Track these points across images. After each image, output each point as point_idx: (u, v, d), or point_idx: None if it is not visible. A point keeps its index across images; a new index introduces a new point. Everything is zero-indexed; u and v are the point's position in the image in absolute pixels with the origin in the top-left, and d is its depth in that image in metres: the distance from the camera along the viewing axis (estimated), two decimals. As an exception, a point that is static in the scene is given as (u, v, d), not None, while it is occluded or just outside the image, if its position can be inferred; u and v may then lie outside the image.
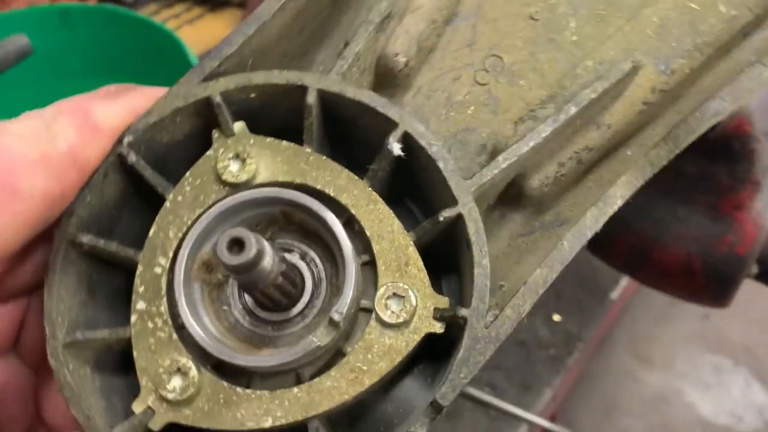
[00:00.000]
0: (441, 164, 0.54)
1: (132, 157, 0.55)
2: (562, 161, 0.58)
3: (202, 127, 0.59)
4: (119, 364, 0.56)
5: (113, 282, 0.59)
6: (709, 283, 1.07)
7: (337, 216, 0.54)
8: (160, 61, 1.32)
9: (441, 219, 0.53)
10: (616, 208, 0.52)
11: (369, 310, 0.55)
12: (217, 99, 0.56)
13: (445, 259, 0.58)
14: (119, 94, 0.56)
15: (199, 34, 1.69)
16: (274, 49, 0.62)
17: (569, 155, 0.58)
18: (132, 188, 0.59)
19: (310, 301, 0.56)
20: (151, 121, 0.56)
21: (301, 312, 0.56)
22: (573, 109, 0.55)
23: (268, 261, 0.47)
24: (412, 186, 0.59)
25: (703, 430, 1.84)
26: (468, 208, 0.53)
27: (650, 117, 0.60)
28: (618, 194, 0.52)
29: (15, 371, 0.58)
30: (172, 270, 0.55)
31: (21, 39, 1.09)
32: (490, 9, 0.65)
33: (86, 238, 0.54)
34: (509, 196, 0.60)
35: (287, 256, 0.57)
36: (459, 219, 0.53)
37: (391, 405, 0.56)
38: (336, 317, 0.51)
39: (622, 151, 0.61)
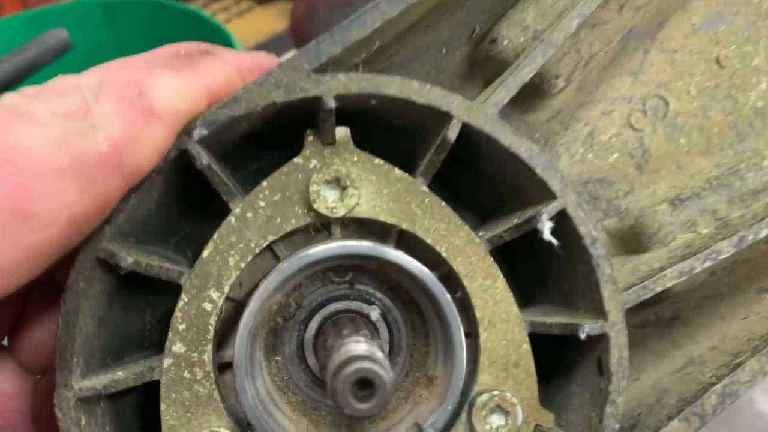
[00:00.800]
0: (599, 268, 0.42)
1: (203, 159, 0.40)
2: (715, 271, 0.48)
3: (288, 120, 0.44)
4: (135, 400, 0.45)
5: (136, 288, 0.46)
6: None
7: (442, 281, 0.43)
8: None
9: (582, 336, 0.42)
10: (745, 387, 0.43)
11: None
12: (331, 103, 0.41)
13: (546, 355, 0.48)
14: (189, 64, 0.40)
15: (249, 28, 1.63)
16: (419, 37, 0.46)
17: (725, 265, 0.48)
18: (180, 189, 0.44)
19: (395, 357, 0.46)
20: (236, 113, 0.40)
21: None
22: (765, 231, 0.44)
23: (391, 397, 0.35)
24: (527, 256, 0.48)
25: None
26: (617, 329, 0.43)
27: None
28: (743, 378, 0.43)
29: (10, 376, 0.45)
30: (224, 310, 0.43)
31: (60, 33, 1.06)
32: (670, 35, 0.51)
33: (123, 258, 0.40)
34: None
35: (366, 308, 0.45)
36: (602, 338, 0.43)
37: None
38: (429, 430, 0.42)
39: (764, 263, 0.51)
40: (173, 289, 0.42)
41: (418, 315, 0.46)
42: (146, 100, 0.36)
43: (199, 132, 0.40)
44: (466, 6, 0.49)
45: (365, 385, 0.33)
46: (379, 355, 0.36)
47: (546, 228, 0.42)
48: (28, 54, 1.03)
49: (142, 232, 0.44)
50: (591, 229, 0.42)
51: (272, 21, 1.66)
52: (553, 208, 0.42)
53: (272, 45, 1.59)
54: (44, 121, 0.34)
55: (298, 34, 1.27)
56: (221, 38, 1.19)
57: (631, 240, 0.50)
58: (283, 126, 0.44)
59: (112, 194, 0.37)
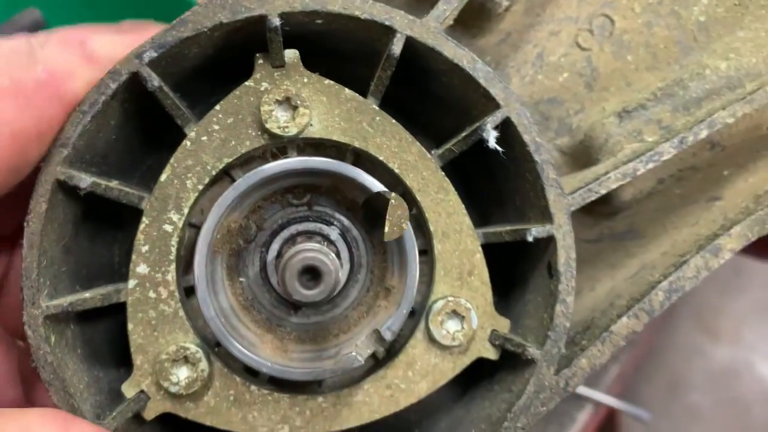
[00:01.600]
0: (543, 173, 0.44)
1: (154, 81, 0.41)
2: (662, 177, 0.50)
3: (239, 45, 0.45)
4: (106, 326, 0.46)
5: (102, 221, 0.47)
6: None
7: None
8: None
9: (530, 238, 0.44)
10: (722, 262, 0.45)
11: (412, 312, 0.46)
12: (276, 21, 0.42)
13: (504, 270, 0.49)
14: (130, 29, 0.45)
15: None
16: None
17: (671, 172, 0.50)
18: (138, 120, 0.45)
19: (344, 289, 0.47)
20: (183, 35, 0.41)
21: (332, 300, 0.47)
22: (704, 132, 0.45)
23: (341, 276, 0.37)
24: (482, 176, 0.49)
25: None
26: (563, 231, 0.44)
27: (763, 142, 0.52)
28: (728, 247, 0.45)
29: None
30: (184, 230, 0.44)
31: (33, 13, 1.05)
32: (615, -47, 0.52)
33: (83, 179, 0.41)
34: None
35: (325, 229, 0.47)
36: (549, 241, 0.44)
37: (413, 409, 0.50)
38: (387, 336, 0.43)
39: (718, 169, 0.52)
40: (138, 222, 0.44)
41: (378, 232, 0.47)
42: (86, 48, 0.42)
43: (149, 54, 0.41)
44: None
45: (313, 274, 0.34)
46: (327, 250, 0.37)
47: (491, 137, 0.44)
48: (1, 34, 1.02)
49: (105, 163, 0.45)
50: (535, 137, 0.44)
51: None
52: (497, 116, 0.44)
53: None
54: None
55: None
56: None
57: (582, 155, 0.51)
58: (236, 57, 0.45)
59: (53, 119, 0.41)
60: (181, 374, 0.43)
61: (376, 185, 0.43)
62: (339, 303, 0.47)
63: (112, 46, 0.42)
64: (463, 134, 0.45)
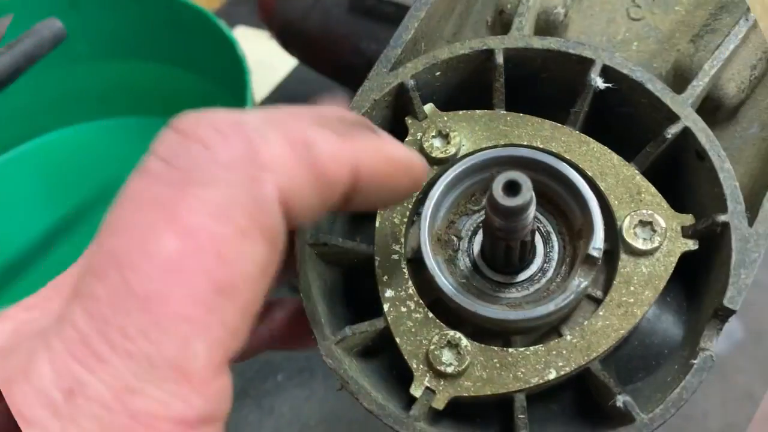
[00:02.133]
0: (650, 85, 0.54)
1: (346, 154, 0.56)
2: (754, 63, 0.58)
3: (390, 119, 0.60)
4: (379, 363, 0.56)
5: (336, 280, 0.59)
6: None
7: (551, 166, 0.55)
8: (188, 37, 1.20)
9: (668, 136, 0.53)
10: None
11: (608, 252, 0.54)
12: (411, 82, 0.57)
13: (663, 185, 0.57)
14: (350, 133, 0.37)
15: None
16: (435, 32, 0.63)
17: (759, 56, 0.58)
18: None
19: (546, 255, 0.56)
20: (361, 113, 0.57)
21: (541, 269, 0.56)
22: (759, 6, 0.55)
23: (533, 207, 0.47)
24: (605, 136, 0.59)
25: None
26: (692, 119, 0.53)
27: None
28: None
29: None
30: (405, 253, 0.55)
31: (54, 23, 0.95)
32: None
33: (327, 237, 0.55)
34: (704, 113, 0.59)
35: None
36: (684, 134, 0.53)
37: (656, 338, 0.55)
38: (594, 253, 0.51)
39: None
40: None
41: (551, 203, 0.57)
42: (313, 155, 0.33)
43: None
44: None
45: (511, 187, 0.44)
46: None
47: (599, 82, 0.55)
48: (26, 46, 0.93)
49: (326, 230, 0.59)
50: (631, 65, 0.54)
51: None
52: (596, 66, 0.55)
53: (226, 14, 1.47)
54: (207, 179, 0.30)
55: (269, 10, 1.23)
56: (196, 17, 1.14)
57: (680, 86, 0.60)
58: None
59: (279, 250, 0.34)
60: (450, 355, 0.51)
61: (529, 152, 0.54)
62: (547, 269, 0.56)
63: (335, 157, 0.35)
64: (578, 97, 0.56)
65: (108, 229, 0.31)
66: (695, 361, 0.48)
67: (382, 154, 0.39)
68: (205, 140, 0.31)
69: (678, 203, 0.54)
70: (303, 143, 0.34)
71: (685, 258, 0.52)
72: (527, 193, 0.44)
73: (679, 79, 0.61)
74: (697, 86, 0.54)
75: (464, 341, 0.51)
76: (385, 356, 0.57)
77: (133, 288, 0.28)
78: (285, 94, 1.62)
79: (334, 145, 0.35)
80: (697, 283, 0.55)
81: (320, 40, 1.26)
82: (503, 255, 0.53)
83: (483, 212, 0.58)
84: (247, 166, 0.32)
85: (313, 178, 0.34)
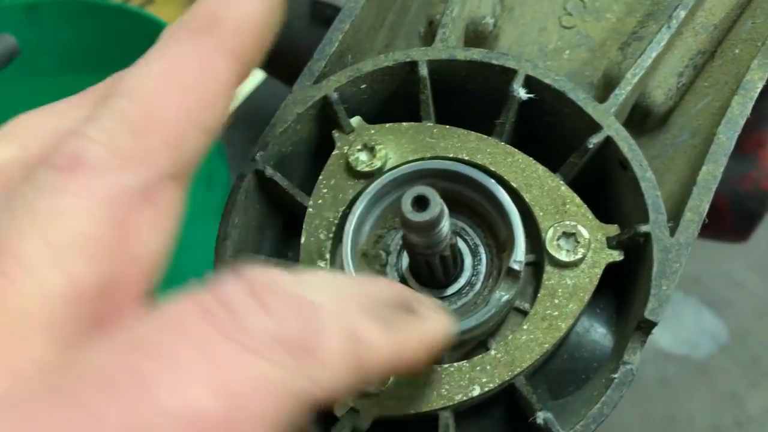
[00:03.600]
0: (572, 95, 0.53)
1: (269, 170, 0.55)
2: (680, 70, 0.58)
3: (317, 133, 0.59)
4: None
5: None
6: (736, 220, 1.08)
7: (477, 178, 0.54)
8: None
9: (590, 146, 0.52)
10: (758, 92, 0.52)
11: (534, 264, 0.54)
12: (334, 96, 0.56)
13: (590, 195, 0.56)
14: (396, 324, 0.37)
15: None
16: (364, 44, 0.63)
17: (685, 63, 0.58)
18: (265, 206, 0.59)
19: (474, 269, 0.55)
20: (277, 131, 0.56)
21: (469, 282, 0.55)
22: (682, 13, 0.54)
23: (447, 222, 0.46)
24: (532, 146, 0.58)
25: (664, 360, 1.91)
26: (615, 128, 0.52)
27: (744, 7, 0.60)
28: (756, 78, 0.52)
29: None
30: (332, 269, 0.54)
31: (7, 39, 0.95)
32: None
33: (250, 257, 0.54)
34: (634, 122, 0.59)
35: (437, 232, 0.56)
36: (607, 143, 0.52)
37: (585, 351, 0.54)
38: (515, 266, 0.50)
39: (729, 51, 0.60)
40: None
41: (478, 216, 0.56)
42: (361, 352, 0.33)
43: (259, 154, 0.55)
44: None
45: (420, 202, 0.43)
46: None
47: (521, 93, 0.54)
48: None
49: (252, 249, 0.58)
50: (554, 75, 0.54)
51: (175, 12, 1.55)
52: (519, 76, 0.54)
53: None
54: (262, 349, 0.29)
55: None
56: (153, 29, 1.09)
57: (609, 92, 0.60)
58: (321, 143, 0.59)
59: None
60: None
61: (457, 166, 0.53)
62: (475, 282, 0.55)
63: (375, 359, 0.34)
64: (502, 108, 0.55)
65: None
66: (615, 376, 0.47)
67: (424, 345, 0.39)
68: (269, 306, 0.31)
69: (605, 214, 0.53)
70: (355, 338, 0.33)
71: (615, 269, 0.52)
72: (435, 207, 0.43)
73: (608, 88, 0.60)
74: (620, 94, 0.53)
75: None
76: None
77: None
78: (254, 105, 1.63)
79: (382, 340, 0.34)
80: (626, 294, 0.54)
81: (284, 52, 1.27)
82: (426, 270, 0.52)
83: (410, 226, 0.57)
84: (297, 353, 0.30)
85: (354, 374, 0.33)
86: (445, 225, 0.46)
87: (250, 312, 0.30)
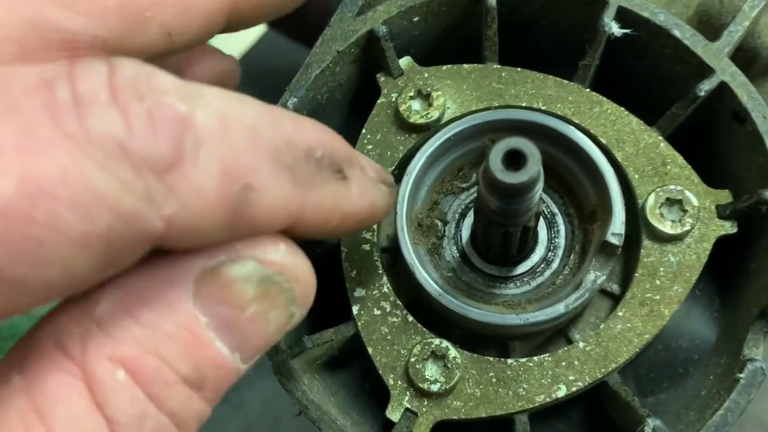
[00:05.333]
0: (677, 31, 0.44)
1: (303, 120, 0.45)
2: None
3: (357, 77, 0.49)
4: (349, 375, 0.46)
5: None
6: None
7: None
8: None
9: (700, 93, 0.43)
10: None
11: (626, 236, 0.44)
12: (382, 30, 0.46)
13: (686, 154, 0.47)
14: (310, 181, 0.31)
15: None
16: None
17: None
18: None
19: (551, 242, 0.46)
20: (312, 74, 0.46)
21: (544, 259, 0.46)
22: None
23: (541, 184, 0.37)
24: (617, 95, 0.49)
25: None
26: (730, 72, 0.43)
27: None
28: None
29: None
30: (378, 243, 0.45)
31: None
32: None
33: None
34: (740, 66, 0.49)
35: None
36: (720, 91, 0.43)
37: (684, 341, 0.45)
38: (614, 240, 0.41)
39: None
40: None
41: (557, 178, 0.47)
42: (242, 198, 0.28)
43: (291, 101, 0.45)
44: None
45: (514, 158, 0.34)
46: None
47: (614, 28, 0.44)
48: None
49: None
50: (653, 8, 0.44)
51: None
52: (610, 9, 0.44)
53: None
54: (96, 153, 0.25)
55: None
56: None
57: (710, 31, 0.50)
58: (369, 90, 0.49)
59: None
60: (435, 369, 0.41)
61: (538, 116, 0.44)
62: (543, 270, 0.46)
63: (272, 208, 0.29)
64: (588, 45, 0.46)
65: None
66: (741, 375, 0.38)
67: (337, 210, 0.33)
68: (127, 110, 0.26)
69: (707, 176, 0.44)
70: (238, 179, 0.28)
71: (719, 242, 0.43)
72: (534, 166, 0.34)
73: (705, 27, 0.50)
74: (735, 32, 0.43)
75: (452, 351, 0.41)
76: (356, 366, 0.47)
77: None
78: (254, 60, 1.52)
79: (280, 193, 0.29)
80: (732, 272, 0.45)
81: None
82: (500, 243, 0.43)
83: (474, 191, 0.48)
84: (146, 173, 0.26)
85: (229, 222, 0.28)
86: (540, 189, 0.37)
87: (99, 109, 0.26)
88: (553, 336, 0.45)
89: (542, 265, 0.46)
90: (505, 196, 0.36)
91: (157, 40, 0.33)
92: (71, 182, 0.24)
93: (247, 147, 0.28)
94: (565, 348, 0.41)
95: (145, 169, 0.25)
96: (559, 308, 0.40)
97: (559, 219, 0.46)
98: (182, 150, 0.26)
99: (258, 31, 1.63)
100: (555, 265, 0.46)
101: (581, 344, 0.41)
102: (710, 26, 0.50)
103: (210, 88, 0.28)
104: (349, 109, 0.51)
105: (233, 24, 0.37)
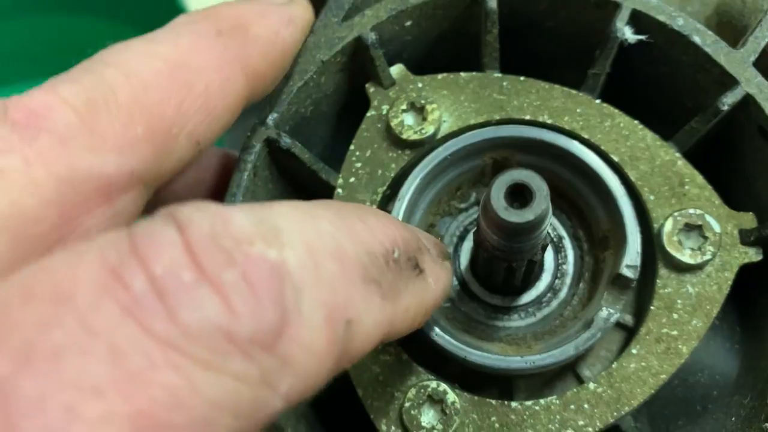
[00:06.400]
0: (697, 38, 0.39)
1: (285, 139, 0.41)
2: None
3: (345, 88, 0.45)
4: (320, 409, 0.43)
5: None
6: None
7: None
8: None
9: (723, 108, 0.39)
10: None
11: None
12: (371, 37, 0.42)
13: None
14: (395, 287, 0.28)
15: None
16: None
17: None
18: (280, 184, 0.45)
19: (558, 269, 0.42)
20: (294, 86, 0.42)
21: (551, 287, 0.42)
22: None
23: (549, 219, 0.33)
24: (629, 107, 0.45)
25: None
26: (756, 83, 0.39)
27: None
28: None
29: None
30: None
31: None
32: None
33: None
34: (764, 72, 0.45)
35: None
36: (744, 104, 0.39)
37: (702, 375, 0.42)
38: (628, 273, 0.37)
39: None
40: None
41: (564, 198, 0.43)
42: (348, 336, 0.25)
43: (272, 117, 0.41)
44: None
45: (518, 193, 0.30)
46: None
47: (627, 33, 0.40)
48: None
49: None
50: (671, 12, 0.40)
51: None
52: (623, 12, 0.40)
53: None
54: (199, 353, 0.21)
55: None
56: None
57: (729, 33, 0.46)
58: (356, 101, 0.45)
59: None
60: (433, 415, 0.37)
61: (547, 134, 0.40)
62: (550, 301, 0.42)
63: (370, 335, 0.27)
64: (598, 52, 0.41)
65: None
66: None
67: (421, 308, 0.30)
68: (221, 285, 0.21)
69: (729, 197, 0.40)
70: (343, 319, 0.24)
71: (740, 268, 0.39)
72: (542, 203, 0.30)
73: (725, 28, 0.46)
74: (763, 38, 0.39)
75: (450, 396, 0.38)
76: (345, 410, 0.43)
77: None
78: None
79: (374, 315, 0.26)
80: (755, 300, 0.41)
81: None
82: (502, 276, 0.39)
83: (473, 211, 0.44)
84: (256, 353, 0.21)
85: (335, 365, 0.25)
86: (548, 224, 0.33)
87: (189, 294, 0.21)
88: (561, 372, 0.41)
89: (549, 295, 0.42)
90: (508, 236, 0.32)
91: (187, 152, 0.32)
92: (184, 403, 0.20)
93: (340, 277, 0.25)
94: (575, 389, 0.38)
95: (255, 350, 0.21)
96: (569, 350, 0.36)
97: (567, 243, 0.43)
98: (286, 308, 0.22)
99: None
100: (563, 294, 0.42)
101: (592, 385, 0.38)
102: (731, 27, 0.46)
103: (279, 209, 0.24)
104: (338, 120, 0.47)
105: (248, 104, 0.36)
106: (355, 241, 0.27)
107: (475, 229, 0.38)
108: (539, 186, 0.29)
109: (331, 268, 0.24)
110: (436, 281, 0.31)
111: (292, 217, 0.24)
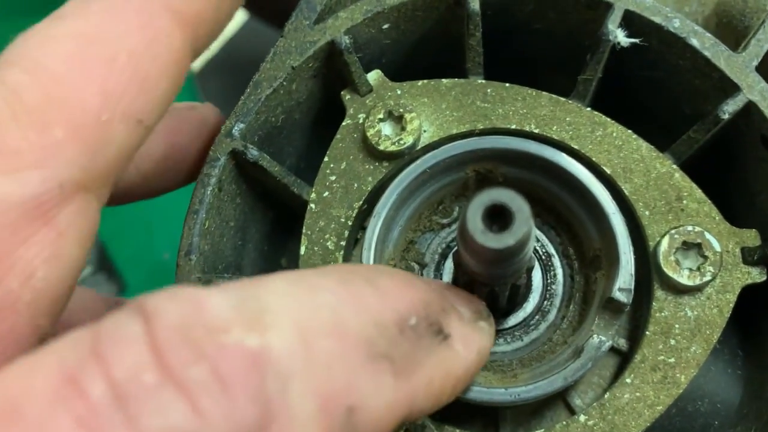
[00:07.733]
0: (695, 41, 0.36)
1: (252, 152, 0.38)
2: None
3: (319, 95, 0.42)
4: None
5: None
6: None
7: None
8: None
9: (723, 116, 0.36)
10: None
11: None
12: (345, 41, 0.39)
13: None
14: (412, 360, 0.26)
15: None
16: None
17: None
18: (247, 201, 0.42)
19: (546, 289, 0.39)
20: (263, 94, 0.39)
21: (539, 309, 0.39)
22: None
23: (533, 241, 0.30)
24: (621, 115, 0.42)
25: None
26: (759, 89, 0.36)
27: None
28: None
29: None
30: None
31: None
32: None
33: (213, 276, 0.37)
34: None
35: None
36: (748, 111, 0.36)
37: (702, 404, 0.39)
38: (621, 297, 0.34)
39: None
40: None
41: (552, 213, 0.40)
42: (353, 423, 0.23)
43: (237, 128, 0.38)
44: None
45: (498, 215, 0.27)
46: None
47: (620, 36, 0.37)
48: None
49: (233, 263, 0.42)
50: (667, 12, 0.37)
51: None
52: (615, 13, 0.37)
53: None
54: None
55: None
56: None
57: (730, 34, 0.43)
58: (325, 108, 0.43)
59: None
60: (409, 449, 0.35)
61: (533, 146, 0.37)
62: (548, 309, 0.39)
63: (381, 419, 0.24)
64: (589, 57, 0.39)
65: None
66: None
67: (449, 379, 0.27)
68: (186, 385, 0.19)
69: (729, 213, 0.37)
70: (343, 406, 0.22)
71: (742, 288, 0.36)
72: (522, 226, 0.27)
73: (725, 29, 0.43)
74: (766, 40, 0.36)
75: (430, 428, 0.35)
76: None
77: None
78: (236, 49, 1.45)
79: (384, 396, 0.24)
80: (758, 323, 0.39)
81: (265, -13, 1.15)
82: (485, 299, 0.36)
83: (456, 227, 0.41)
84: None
85: None
86: (531, 247, 0.30)
87: (151, 398, 0.19)
88: (551, 400, 0.38)
89: (537, 317, 0.39)
90: (488, 261, 0.29)
91: (129, 135, 0.27)
92: None
93: (339, 357, 0.23)
94: (564, 422, 0.35)
95: None
96: (557, 381, 0.34)
97: (557, 261, 0.40)
98: (268, 403, 0.20)
99: (239, 19, 1.56)
100: (551, 317, 0.39)
101: (582, 418, 0.35)
102: (731, 29, 0.43)
103: (270, 285, 0.22)
104: (313, 129, 0.44)
105: (196, 55, 0.31)
106: (360, 311, 0.24)
107: (455, 251, 0.35)
108: (520, 207, 0.26)
109: (327, 348, 0.22)
110: (467, 347, 0.28)
111: (284, 292, 0.22)
